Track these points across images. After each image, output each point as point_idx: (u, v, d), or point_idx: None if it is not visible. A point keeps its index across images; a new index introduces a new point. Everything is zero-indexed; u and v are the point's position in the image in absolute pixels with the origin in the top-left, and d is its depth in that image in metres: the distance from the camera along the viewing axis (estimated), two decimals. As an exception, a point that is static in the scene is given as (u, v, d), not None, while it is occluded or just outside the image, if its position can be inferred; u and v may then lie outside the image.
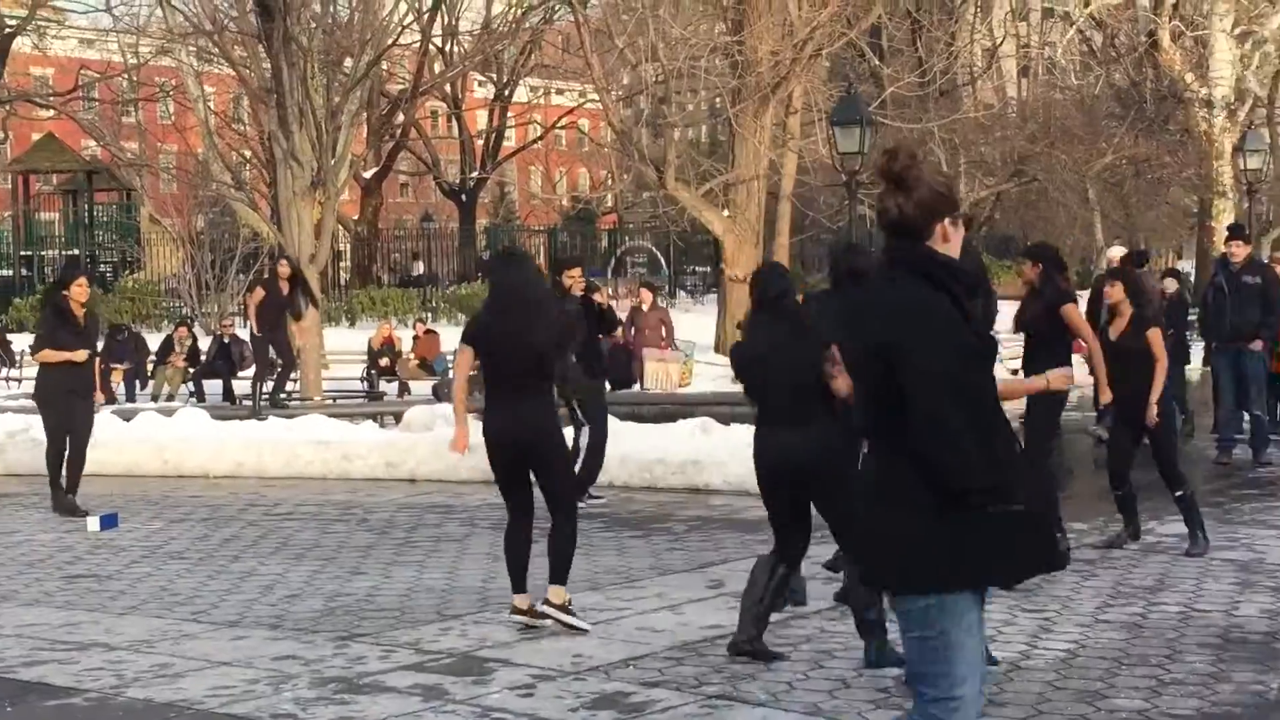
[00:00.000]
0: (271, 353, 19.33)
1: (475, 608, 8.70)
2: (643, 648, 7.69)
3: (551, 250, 50.04)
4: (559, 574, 8.01)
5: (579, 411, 12.53)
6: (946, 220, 4.31)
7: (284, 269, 19.56)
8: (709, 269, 49.81)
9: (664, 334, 22.43)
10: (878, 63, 33.96)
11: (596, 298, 12.60)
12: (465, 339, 8.23)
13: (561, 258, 15.61)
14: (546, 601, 7.98)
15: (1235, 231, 15.44)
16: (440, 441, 12.92)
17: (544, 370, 8.04)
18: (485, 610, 8.63)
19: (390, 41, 24.13)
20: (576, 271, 12.37)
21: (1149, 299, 10.98)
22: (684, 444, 13.93)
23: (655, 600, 8.81)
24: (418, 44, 40.12)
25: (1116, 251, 17.86)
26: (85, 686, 7.19)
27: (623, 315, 26.56)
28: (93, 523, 12.07)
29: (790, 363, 7.14)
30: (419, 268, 44.87)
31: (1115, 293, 9.98)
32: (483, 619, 8.41)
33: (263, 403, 18.69)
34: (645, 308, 22.72)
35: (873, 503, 4.33)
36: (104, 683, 7.24)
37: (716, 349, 25.91)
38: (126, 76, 41.47)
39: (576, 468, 11.86)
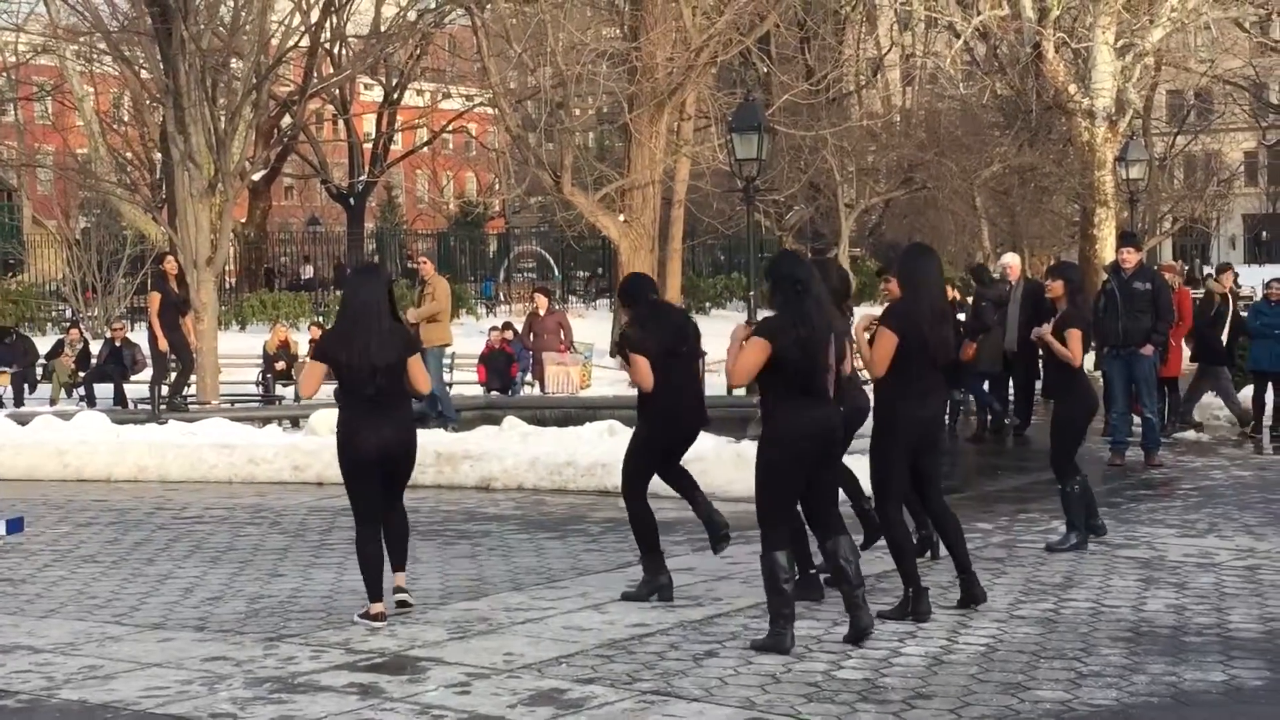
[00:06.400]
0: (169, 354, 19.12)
1: (400, 609, 8.74)
2: (573, 646, 7.79)
3: (441, 253, 49.99)
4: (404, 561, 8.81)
5: None
6: None
7: (170, 266, 19.25)
8: (598, 273, 50.03)
9: (562, 337, 22.50)
10: (767, 70, 34.29)
11: None
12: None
13: None
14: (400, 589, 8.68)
15: (1127, 239, 15.83)
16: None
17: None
18: (411, 612, 8.69)
19: (292, 44, 23.89)
20: None
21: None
22: (593, 447, 14.02)
23: (579, 600, 8.91)
24: (306, 46, 39.81)
25: (1011, 259, 18.29)
26: (15, 689, 7.14)
27: (517, 321, 26.69)
28: (-2, 526, 11.89)
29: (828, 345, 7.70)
30: (309, 270, 44.56)
31: (1056, 289, 10.59)
32: (409, 619, 8.46)
33: (160, 406, 18.49)
34: (542, 312, 22.78)
35: None
36: (34, 685, 7.20)
37: (612, 353, 25.99)
38: (5, 74, 40.74)
39: None
